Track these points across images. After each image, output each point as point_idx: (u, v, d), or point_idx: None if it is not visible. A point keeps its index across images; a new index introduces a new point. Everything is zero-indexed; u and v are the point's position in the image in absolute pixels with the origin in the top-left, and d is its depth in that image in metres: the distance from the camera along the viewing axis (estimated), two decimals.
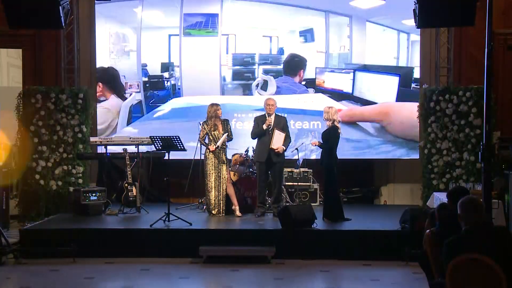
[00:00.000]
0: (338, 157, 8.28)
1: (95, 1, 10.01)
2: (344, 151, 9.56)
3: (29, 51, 10.37)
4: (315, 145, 8.33)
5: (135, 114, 10.21)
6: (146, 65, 10.19)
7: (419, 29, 9.36)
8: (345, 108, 9.94)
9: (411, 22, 8.77)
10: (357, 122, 10.02)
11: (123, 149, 9.05)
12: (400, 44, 10.02)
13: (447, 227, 4.56)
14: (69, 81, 9.95)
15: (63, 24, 7.78)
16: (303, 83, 10.09)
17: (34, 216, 9.14)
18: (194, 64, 10.14)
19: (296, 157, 9.06)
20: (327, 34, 10.11)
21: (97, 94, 10.08)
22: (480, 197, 5.46)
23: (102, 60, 10.19)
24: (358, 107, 10.01)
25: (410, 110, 9.64)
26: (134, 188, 8.78)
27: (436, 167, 9.25)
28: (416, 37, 9.95)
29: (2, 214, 8.54)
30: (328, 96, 10.01)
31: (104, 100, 10.17)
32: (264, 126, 8.39)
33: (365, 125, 10.04)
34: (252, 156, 9.02)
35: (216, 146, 8.42)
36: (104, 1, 9.96)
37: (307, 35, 10.15)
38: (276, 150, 8.35)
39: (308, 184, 9.65)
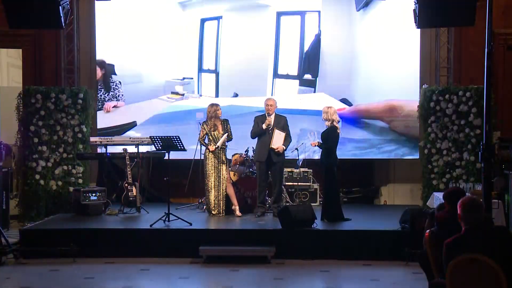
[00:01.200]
0: (340, 157, 8.28)
1: (95, 1, 10.01)
2: (346, 151, 9.58)
3: (29, 51, 10.37)
4: (315, 146, 8.33)
5: None
6: None
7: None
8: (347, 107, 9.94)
9: None
10: (362, 120, 9.96)
11: (123, 149, 9.05)
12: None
13: (445, 227, 4.56)
14: (69, 81, 9.95)
15: (63, 24, 7.78)
16: None
17: (34, 216, 9.14)
18: None
19: (298, 154, 9.04)
20: None
21: None
22: (480, 197, 5.46)
23: None
24: (363, 104, 9.97)
25: (413, 106, 9.62)
26: (134, 188, 8.78)
27: (436, 167, 9.25)
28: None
29: (2, 214, 8.54)
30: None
31: None
32: (264, 126, 8.39)
33: (369, 124, 9.98)
34: (252, 156, 9.02)
35: (216, 146, 8.42)
36: (104, 1, 9.96)
37: None
38: (276, 150, 8.35)
39: (308, 184, 9.65)
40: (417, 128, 9.77)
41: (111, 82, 10.20)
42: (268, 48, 10.19)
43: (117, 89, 10.19)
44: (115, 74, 10.20)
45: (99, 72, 10.19)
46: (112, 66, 10.20)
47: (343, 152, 9.38)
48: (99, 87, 10.19)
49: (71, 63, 9.98)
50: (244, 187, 8.97)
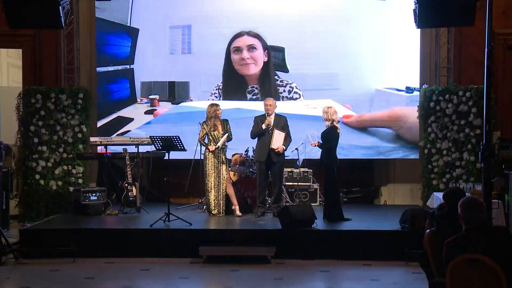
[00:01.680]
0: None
1: (95, 1, 10.01)
2: (355, 157, 9.58)
3: (29, 51, 10.38)
4: (315, 146, 8.33)
5: None
6: None
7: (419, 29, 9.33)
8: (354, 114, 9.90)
9: None
10: (368, 128, 9.93)
11: (123, 149, 9.05)
12: None
13: (445, 227, 4.57)
14: (69, 81, 9.95)
15: (63, 24, 7.78)
16: None
17: (34, 216, 9.15)
18: None
19: (298, 154, 9.03)
20: None
21: None
22: (480, 197, 5.46)
23: None
24: (368, 113, 9.93)
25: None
26: (134, 188, 8.78)
27: (436, 167, 9.26)
28: None
29: (2, 214, 8.54)
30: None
31: None
32: (263, 126, 8.38)
33: (376, 131, 9.93)
34: (252, 156, 9.02)
35: (216, 146, 8.42)
36: (104, 1, 9.96)
37: None
38: (276, 150, 8.35)
39: (308, 184, 9.65)
40: None
41: None
42: None
43: None
44: None
45: None
46: None
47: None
48: None
49: (71, 63, 9.98)
50: (244, 187, 8.97)
